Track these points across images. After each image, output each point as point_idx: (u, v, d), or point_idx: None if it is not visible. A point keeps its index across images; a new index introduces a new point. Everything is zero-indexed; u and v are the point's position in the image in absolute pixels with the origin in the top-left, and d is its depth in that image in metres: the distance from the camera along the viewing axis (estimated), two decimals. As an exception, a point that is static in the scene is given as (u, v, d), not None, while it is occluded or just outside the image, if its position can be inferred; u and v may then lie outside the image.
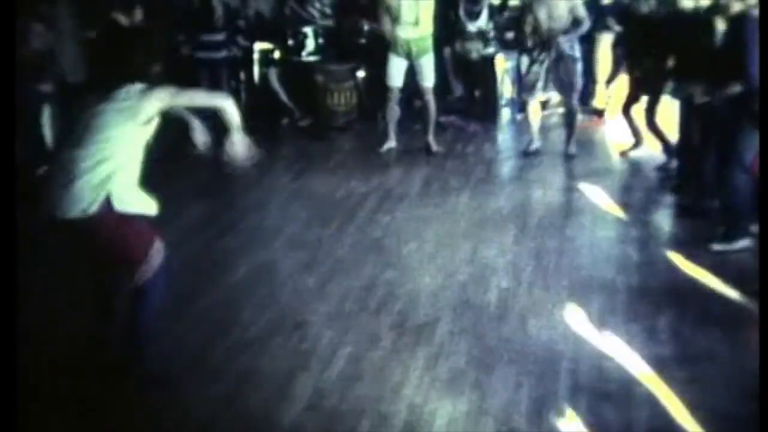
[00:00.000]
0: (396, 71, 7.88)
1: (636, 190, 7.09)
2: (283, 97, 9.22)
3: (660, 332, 4.47)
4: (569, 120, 7.88)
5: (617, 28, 8.23)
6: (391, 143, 8.09)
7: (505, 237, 5.88)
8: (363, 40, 9.36)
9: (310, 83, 9.09)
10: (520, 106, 9.15)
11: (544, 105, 8.38)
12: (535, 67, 7.66)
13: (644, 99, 7.33)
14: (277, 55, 9.33)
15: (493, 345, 4.36)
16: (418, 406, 3.82)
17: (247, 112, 9.16)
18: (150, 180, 3.92)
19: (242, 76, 9.48)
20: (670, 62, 6.64)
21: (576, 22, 7.47)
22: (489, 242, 5.78)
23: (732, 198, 5.42)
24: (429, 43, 7.81)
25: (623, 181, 7.33)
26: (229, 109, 3.90)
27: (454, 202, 6.67)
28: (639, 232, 5.95)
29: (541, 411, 3.76)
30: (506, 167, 7.99)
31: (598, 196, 6.73)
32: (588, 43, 8.77)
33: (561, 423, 3.68)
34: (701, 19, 5.91)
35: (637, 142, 7.68)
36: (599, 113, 9.09)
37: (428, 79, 7.88)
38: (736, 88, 5.23)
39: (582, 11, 7.49)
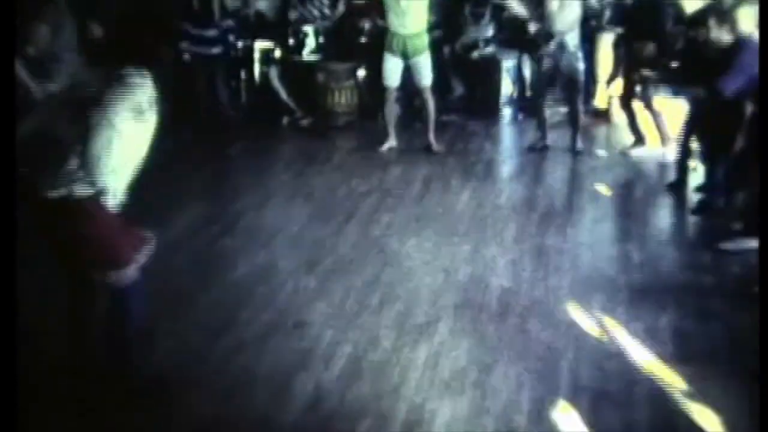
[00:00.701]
0: (392, 70, 7.86)
1: (638, 187, 7.08)
2: (284, 96, 9.21)
3: (662, 331, 4.46)
4: (574, 117, 7.87)
5: (618, 29, 8.21)
6: (392, 142, 8.08)
7: (506, 236, 5.87)
8: (363, 39, 9.35)
9: (311, 82, 9.09)
10: (523, 104, 9.16)
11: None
12: (541, 65, 7.65)
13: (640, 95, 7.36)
14: (277, 54, 9.32)
15: (494, 344, 4.36)
16: (419, 405, 3.81)
17: (248, 111, 9.28)
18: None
19: (243, 74, 9.47)
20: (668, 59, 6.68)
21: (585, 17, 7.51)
22: (490, 241, 5.77)
23: (740, 197, 5.39)
24: (424, 41, 7.79)
25: (625, 180, 7.32)
26: None
27: (454, 201, 6.66)
28: (641, 229, 5.94)
29: (542, 411, 3.76)
30: (507, 166, 7.98)
31: (600, 195, 6.73)
32: (589, 43, 8.78)
33: (562, 423, 3.68)
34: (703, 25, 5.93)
35: (639, 140, 7.67)
36: (600, 113, 9.08)
37: (426, 78, 7.86)
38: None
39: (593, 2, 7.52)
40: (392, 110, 8.10)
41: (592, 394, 3.87)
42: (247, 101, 9.36)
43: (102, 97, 3.53)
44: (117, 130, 3.53)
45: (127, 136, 3.57)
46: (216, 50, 8.86)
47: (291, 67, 9.26)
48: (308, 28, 9.35)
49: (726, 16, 5.46)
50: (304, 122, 9.13)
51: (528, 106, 9.03)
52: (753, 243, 5.31)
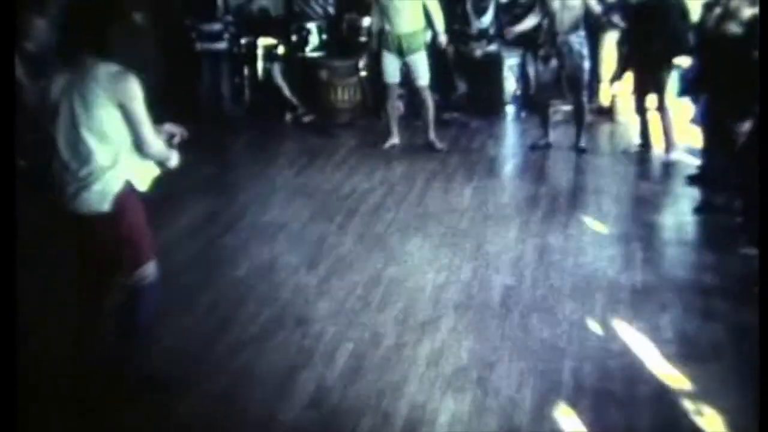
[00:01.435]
0: (391, 68, 7.85)
1: (641, 187, 7.06)
2: (287, 92, 9.20)
3: (664, 330, 4.45)
4: (579, 115, 7.85)
5: (622, 24, 8.17)
6: (394, 140, 8.07)
7: (509, 234, 5.86)
8: (362, 38, 9.33)
9: (314, 79, 9.07)
10: (527, 102, 9.13)
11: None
12: (546, 64, 7.64)
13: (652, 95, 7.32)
14: (281, 50, 9.31)
15: (496, 342, 4.35)
16: (421, 403, 3.81)
17: (251, 107, 9.27)
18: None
19: (246, 71, 9.46)
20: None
21: (588, 15, 7.47)
22: (493, 239, 5.76)
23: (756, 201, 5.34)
24: (421, 39, 7.77)
25: (629, 178, 7.30)
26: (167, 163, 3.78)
27: (457, 199, 6.65)
28: (643, 229, 5.93)
29: (544, 409, 3.75)
30: (510, 164, 7.96)
31: (602, 193, 6.71)
32: (593, 41, 8.75)
33: (564, 421, 3.67)
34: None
35: (645, 145, 7.63)
36: (604, 111, 9.05)
37: (423, 77, 7.83)
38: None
39: (593, 6, 7.47)
40: (394, 107, 8.10)
41: (594, 393, 3.87)
42: (250, 97, 9.34)
43: (82, 88, 3.49)
44: (113, 126, 3.53)
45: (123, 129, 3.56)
46: (220, 46, 8.87)
47: (294, 64, 9.25)
48: (311, 25, 9.33)
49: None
50: (307, 119, 9.12)
51: (531, 104, 9.01)
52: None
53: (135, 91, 3.52)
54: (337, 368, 4.12)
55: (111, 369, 3.87)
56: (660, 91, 7.23)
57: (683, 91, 7.63)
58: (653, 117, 7.46)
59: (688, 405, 3.77)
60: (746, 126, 5.30)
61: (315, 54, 9.32)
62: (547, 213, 6.30)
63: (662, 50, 7.06)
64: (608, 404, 3.79)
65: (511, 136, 8.93)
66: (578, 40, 7.51)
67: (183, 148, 3.91)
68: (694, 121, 7.07)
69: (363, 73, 9.23)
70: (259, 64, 9.38)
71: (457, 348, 4.30)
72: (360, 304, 4.81)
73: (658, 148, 7.55)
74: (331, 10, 9.58)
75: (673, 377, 3.99)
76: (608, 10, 8.14)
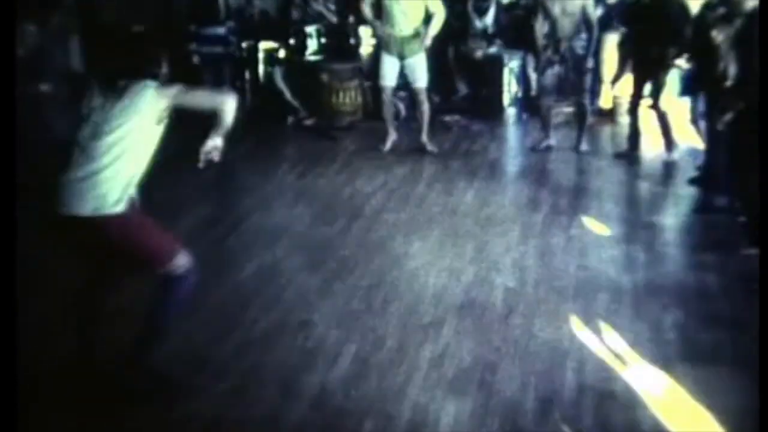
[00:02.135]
0: (388, 70, 7.85)
1: (642, 188, 7.08)
2: (288, 96, 9.22)
3: (666, 332, 4.46)
4: (581, 117, 7.88)
5: (622, 29, 8.18)
6: (392, 138, 8.05)
7: (511, 236, 5.87)
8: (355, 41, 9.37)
9: (315, 82, 9.09)
10: (528, 104, 9.15)
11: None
12: (549, 69, 7.66)
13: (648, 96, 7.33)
14: (282, 54, 9.33)
15: (499, 345, 4.36)
16: (423, 405, 3.81)
17: (252, 111, 9.28)
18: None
19: (247, 75, 9.48)
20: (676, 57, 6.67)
21: (588, 25, 7.50)
22: (494, 241, 5.77)
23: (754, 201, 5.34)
24: (419, 42, 7.78)
25: (629, 180, 7.31)
26: (228, 109, 3.89)
27: (459, 201, 6.66)
28: (645, 231, 5.93)
29: (547, 411, 3.76)
30: (512, 166, 7.98)
31: (604, 195, 6.72)
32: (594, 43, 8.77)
33: (566, 423, 3.68)
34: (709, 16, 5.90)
35: (633, 147, 7.62)
36: (605, 112, 9.06)
37: (421, 79, 7.83)
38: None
39: (592, 12, 7.51)
40: (390, 109, 8.09)
41: (596, 394, 3.87)
42: (252, 101, 9.36)
43: (110, 105, 3.69)
44: (133, 138, 3.69)
45: (144, 143, 3.75)
46: (221, 50, 8.90)
47: (295, 67, 9.27)
48: (311, 29, 9.34)
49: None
50: (308, 122, 9.14)
51: (534, 107, 9.04)
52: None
53: (171, 89, 3.77)
54: (340, 370, 4.12)
55: (119, 369, 3.88)
56: (657, 91, 7.24)
57: (684, 91, 7.66)
58: (650, 117, 7.46)
59: (689, 406, 3.77)
60: (728, 117, 5.32)
61: (316, 57, 9.34)
62: (549, 215, 6.31)
63: (661, 51, 7.08)
64: (610, 406, 3.79)
65: (512, 139, 8.96)
66: (580, 44, 7.54)
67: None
68: (694, 121, 7.10)
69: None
70: (260, 68, 9.41)
71: (460, 350, 4.31)
72: (362, 306, 4.82)
73: (651, 149, 7.57)
74: (332, 11, 9.60)
75: (675, 378, 4.00)
76: (609, 11, 8.17)
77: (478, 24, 9.27)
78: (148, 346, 3.92)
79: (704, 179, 6.46)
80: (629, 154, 7.59)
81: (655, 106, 7.33)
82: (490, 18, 9.29)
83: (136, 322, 3.89)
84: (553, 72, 7.67)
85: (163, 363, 4.00)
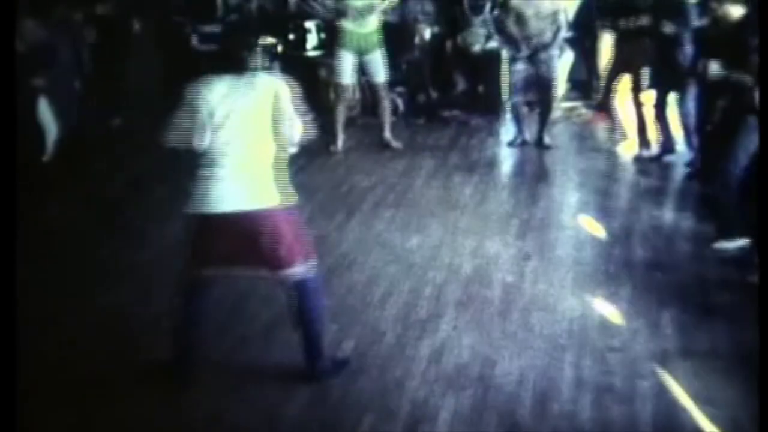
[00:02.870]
0: (346, 67, 7.79)
1: (639, 183, 7.09)
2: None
3: (664, 326, 4.47)
4: (545, 113, 7.94)
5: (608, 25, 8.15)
6: (339, 143, 7.94)
7: (510, 231, 5.88)
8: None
9: (313, 78, 9.07)
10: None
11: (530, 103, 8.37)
12: (519, 65, 7.72)
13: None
14: (279, 49, 9.31)
15: (497, 339, 4.37)
16: (422, 400, 3.82)
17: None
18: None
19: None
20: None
21: (557, 27, 7.64)
22: (493, 236, 5.77)
23: (728, 193, 5.34)
24: (377, 38, 7.73)
25: (626, 175, 7.33)
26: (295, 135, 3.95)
27: (457, 196, 6.66)
28: (641, 225, 5.95)
29: (545, 405, 3.77)
30: (510, 161, 7.98)
31: (600, 192, 6.73)
32: (590, 38, 8.78)
33: (564, 417, 3.69)
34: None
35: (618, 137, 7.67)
36: (602, 108, 9.06)
37: (379, 74, 7.79)
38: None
39: (563, 16, 7.62)
40: (343, 111, 8.00)
41: (595, 389, 3.88)
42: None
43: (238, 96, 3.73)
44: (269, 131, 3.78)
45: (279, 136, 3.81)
46: (214, 46, 8.88)
47: (293, 63, 9.24)
48: (310, 24, 9.33)
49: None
50: (306, 117, 9.11)
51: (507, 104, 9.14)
52: (742, 242, 5.29)
53: (288, 92, 3.81)
54: (339, 366, 4.14)
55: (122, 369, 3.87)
56: (639, 87, 7.28)
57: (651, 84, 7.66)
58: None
59: (687, 401, 3.78)
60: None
61: (314, 53, 9.33)
62: (547, 209, 6.33)
63: (647, 46, 7.11)
64: (609, 400, 3.80)
65: (511, 134, 8.93)
66: (551, 47, 7.64)
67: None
68: (658, 116, 7.15)
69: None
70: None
71: (459, 345, 4.32)
72: (361, 301, 4.82)
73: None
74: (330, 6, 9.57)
75: (673, 373, 4.01)
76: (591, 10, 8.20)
77: (474, 22, 9.26)
78: (313, 353, 3.94)
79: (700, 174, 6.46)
80: (612, 150, 7.63)
81: (636, 100, 7.36)
82: (485, 15, 9.27)
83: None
84: (522, 71, 7.73)
85: (160, 358, 4.02)
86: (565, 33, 7.79)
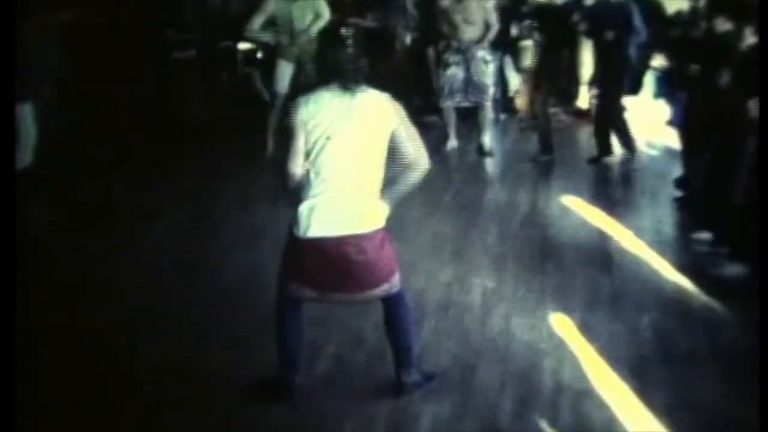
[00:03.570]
0: (283, 76, 7.78)
1: (620, 188, 7.14)
2: (267, 97, 9.18)
3: (642, 331, 4.49)
4: (482, 117, 7.98)
5: (584, 27, 8.19)
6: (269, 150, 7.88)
7: (489, 236, 5.89)
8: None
9: (294, 83, 9.05)
10: (506, 105, 9.23)
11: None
12: (451, 72, 7.77)
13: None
14: (260, 55, 9.30)
15: (477, 345, 4.37)
16: (402, 406, 3.82)
17: (231, 111, 9.26)
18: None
19: (225, 76, 9.46)
20: None
21: (487, 28, 7.77)
22: (472, 241, 5.79)
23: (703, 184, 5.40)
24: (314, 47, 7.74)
25: (607, 181, 7.37)
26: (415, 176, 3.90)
27: (438, 202, 6.67)
28: (622, 230, 5.98)
29: (525, 410, 3.78)
30: (489, 167, 8.00)
31: (583, 196, 6.76)
32: (571, 44, 8.82)
33: (544, 422, 3.70)
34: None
35: (604, 151, 7.67)
36: (582, 113, 9.12)
37: None
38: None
39: (493, 17, 7.67)
40: (276, 118, 7.90)
41: (574, 394, 3.90)
42: (230, 102, 9.34)
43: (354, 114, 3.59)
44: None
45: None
46: (195, 53, 8.89)
47: (273, 68, 9.22)
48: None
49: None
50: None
51: (510, 108, 9.16)
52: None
53: (403, 112, 3.68)
54: (320, 371, 4.13)
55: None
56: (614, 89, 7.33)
57: (659, 93, 7.73)
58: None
59: (665, 403, 3.80)
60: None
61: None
62: (527, 215, 6.36)
63: (623, 51, 7.17)
64: (589, 405, 3.82)
65: (490, 140, 8.96)
66: (482, 52, 7.79)
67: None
68: (671, 122, 7.16)
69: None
70: (238, 69, 9.40)
71: (439, 350, 4.32)
72: (341, 307, 4.80)
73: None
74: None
75: (652, 377, 4.04)
76: (572, 11, 8.24)
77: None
78: (404, 366, 3.86)
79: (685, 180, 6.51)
80: (602, 157, 7.63)
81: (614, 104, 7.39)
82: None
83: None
84: (454, 75, 7.77)
85: (149, 362, 4.01)
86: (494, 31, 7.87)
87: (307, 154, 3.57)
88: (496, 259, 5.50)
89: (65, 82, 7.66)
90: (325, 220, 3.58)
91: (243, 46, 9.29)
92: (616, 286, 5.06)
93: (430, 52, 9.33)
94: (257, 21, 7.64)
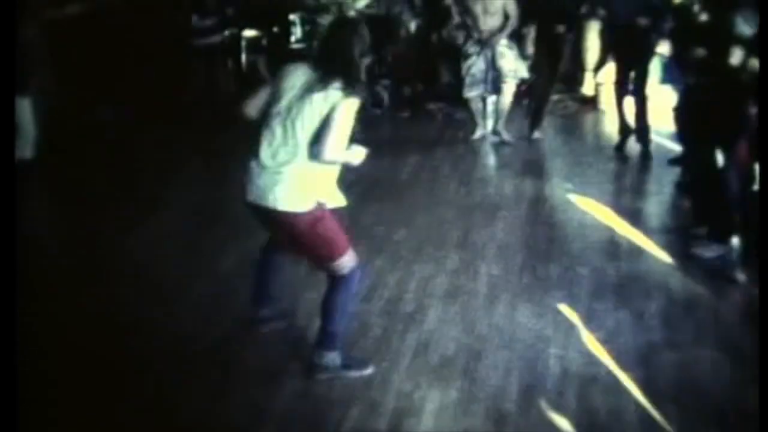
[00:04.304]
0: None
1: (625, 177, 7.11)
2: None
3: (648, 319, 4.49)
4: (501, 106, 7.98)
5: (602, 12, 8.16)
6: None
7: (495, 224, 5.89)
8: None
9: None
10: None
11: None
12: (473, 62, 7.75)
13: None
14: (265, 42, 9.28)
15: (483, 332, 4.38)
16: (408, 393, 3.83)
17: (237, 99, 9.23)
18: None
19: (230, 63, 9.44)
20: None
21: (506, 19, 7.71)
22: (479, 229, 5.78)
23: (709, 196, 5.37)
24: None
25: (613, 170, 7.34)
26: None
27: (443, 189, 6.67)
28: (628, 219, 5.96)
29: (531, 397, 3.78)
30: (496, 154, 7.98)
31: (587, 184, 6.74)
32: (575, 29, 8.77)
33: (550, 409, 3.70)
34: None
35: (626, 136, 7.60)
36: (588, 99, 9.09)
37: None
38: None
39: (513, 8, 7.63)
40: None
41: (580, 381, 3.90)
42: (236, 89, 9.31)
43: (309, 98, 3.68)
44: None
45: None
46: (217, 39, 8.89)
47: (278, 56, 9.21)
48: (294, 17, 9.30)
49: None
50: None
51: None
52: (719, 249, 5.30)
53: (351, 107, 3.66)
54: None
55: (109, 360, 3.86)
56: (641, 78, 7.23)
57: (666, 79, 7.67)
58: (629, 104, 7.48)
59: (673, 393, 3.80)
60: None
61: (299, 45, 9.30)
62: (533, 202, 6.34)
63: (643, 38, 7.09)
64: (595, 392, 3.82)
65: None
66: (503, 42, 7.67)
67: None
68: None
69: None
70: (243, 56, 9.37)
71: (444, 337, 4.32)
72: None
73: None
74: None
75: (659, 365, 4.03)
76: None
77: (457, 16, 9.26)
78: (320, 347, 3.94)
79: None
80: (622, 147, 7.57)
81: (638, 92, 7.31)
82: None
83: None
84: (475, 66, 7.75)
85: (148, 352, 4.01)
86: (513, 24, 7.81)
87: (261, 107, 3.81)
88: (502, 247, 5.49)
89: (65, 76, 7.65)
90: (254, 188, 3.79)
91: (248, 33, 9.26)
92: (622, 274, 5.04)
93: (435, 38, 9.31)
94: None
